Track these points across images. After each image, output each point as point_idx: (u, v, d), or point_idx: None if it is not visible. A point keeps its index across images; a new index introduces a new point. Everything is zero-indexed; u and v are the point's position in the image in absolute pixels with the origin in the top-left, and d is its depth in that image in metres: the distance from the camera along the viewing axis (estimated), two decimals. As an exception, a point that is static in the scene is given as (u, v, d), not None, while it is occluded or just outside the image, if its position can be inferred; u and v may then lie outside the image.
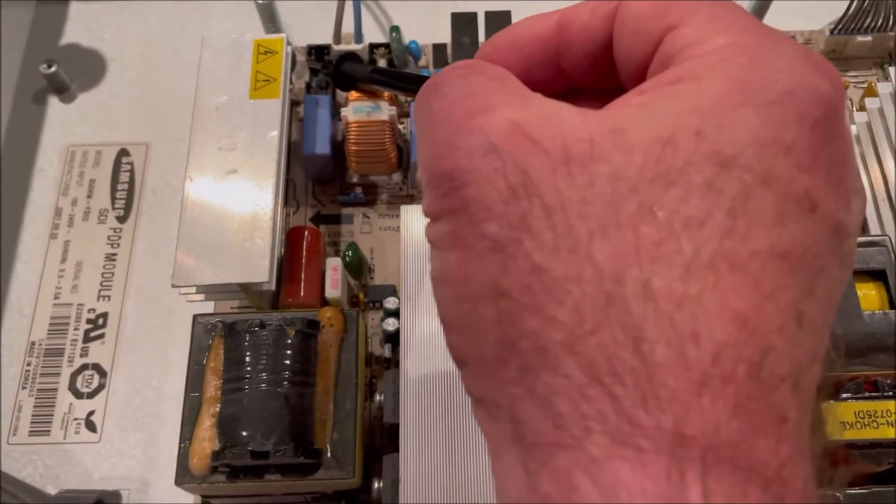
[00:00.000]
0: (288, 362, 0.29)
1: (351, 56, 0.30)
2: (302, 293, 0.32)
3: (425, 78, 0.24)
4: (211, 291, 0.31)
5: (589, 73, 0.19)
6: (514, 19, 0.38)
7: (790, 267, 0.13)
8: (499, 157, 0.14)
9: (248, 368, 0.28)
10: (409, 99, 0.39)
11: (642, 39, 0.16)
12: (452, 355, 0.16)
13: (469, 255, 0.15)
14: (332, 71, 0.34)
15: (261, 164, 0.32)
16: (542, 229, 0.14)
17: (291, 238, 0.33)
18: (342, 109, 0.35)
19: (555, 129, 0.14)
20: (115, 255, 0.37)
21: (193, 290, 0.30)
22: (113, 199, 0.38)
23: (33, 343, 0.35)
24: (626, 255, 0.13)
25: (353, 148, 0.35)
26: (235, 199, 0.31)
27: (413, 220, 0.31)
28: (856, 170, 0.15)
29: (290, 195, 0.37)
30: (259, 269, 0.30)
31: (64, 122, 0.40)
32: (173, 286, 0.30)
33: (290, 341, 0.29)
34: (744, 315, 0.13)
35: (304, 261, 0.32)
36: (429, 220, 0.16)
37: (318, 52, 0.39)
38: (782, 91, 0.14)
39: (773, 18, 0.41)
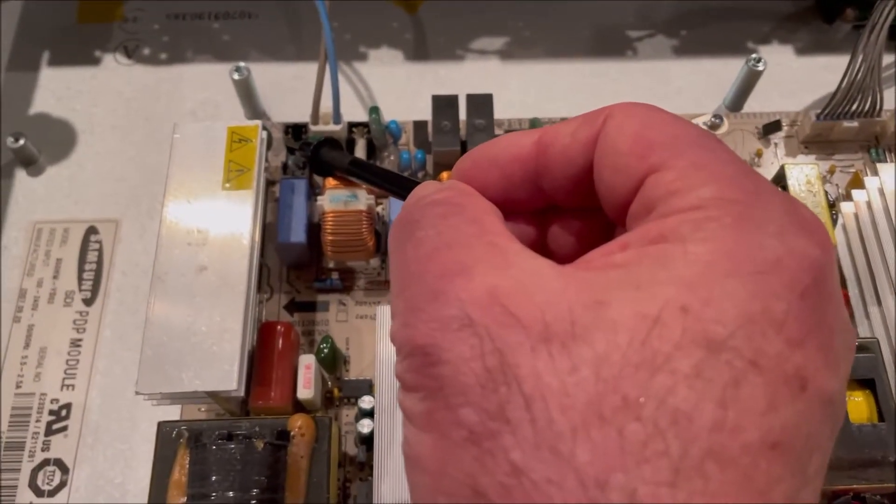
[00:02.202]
0: (256, 478, 0.27)
1: (330, 141, 0.29)
2: (272, 395, 0.31)
3: (404, 179, 0.23)
4: (177, 399, 0.30)
5: (569, 194, 0.18)
6: (496, 103, 0.37)
7: (783, 456, 0.12)
8: (475, 333, 0.14)
9: (215, 485, 0.27)
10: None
11: (623, 177, 0.16)
12: None
13: (445, 444, 0.14)
14: (308, 155, 0.33)
15: (232, 261, 0.30)
16: (521, 422, 0.13)
17: (263, 334, 0.32)
18: (319, 198, 0.34)
19: (533, 301, 0.13)
20: (80, 340, 0.36)
21: (159, 396, 0.29)
22: (80, 280, 0.37)
23: (-8, 436, 0.34)
24: (610, 456, 0.12)
25: (330, 238, 0.34)
26: (204, 299, 0.30)
27: (390, 322, 0.30)
28: (845, 321, 0.14)
29: (263, 281, 0.36)
30: (227, 376, 0.28)
31: (31, 197, 0.39)
32: (137, 393, 0.29)
33: (258, 455, 0.28)
34: None
35: (275, 359, 0.31)
36: (399, 383, 0.15)
37: (295, 131, 0.38)
38: (771, 260, 0.13)
39: (757, 99, 0.40)
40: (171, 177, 0.32)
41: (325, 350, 0.33)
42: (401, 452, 0.28)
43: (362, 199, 0.34)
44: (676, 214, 0.14)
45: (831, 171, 0.38)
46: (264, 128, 0.34)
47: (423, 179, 0.38)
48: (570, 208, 0.19)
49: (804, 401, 0.13)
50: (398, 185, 0.23)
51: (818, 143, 0.39)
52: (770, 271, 0.13)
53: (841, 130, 0.38)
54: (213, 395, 0.29)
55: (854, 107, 0.37)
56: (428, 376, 0.14)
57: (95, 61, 0.43)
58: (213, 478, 0.27)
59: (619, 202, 0.16)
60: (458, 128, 0.36)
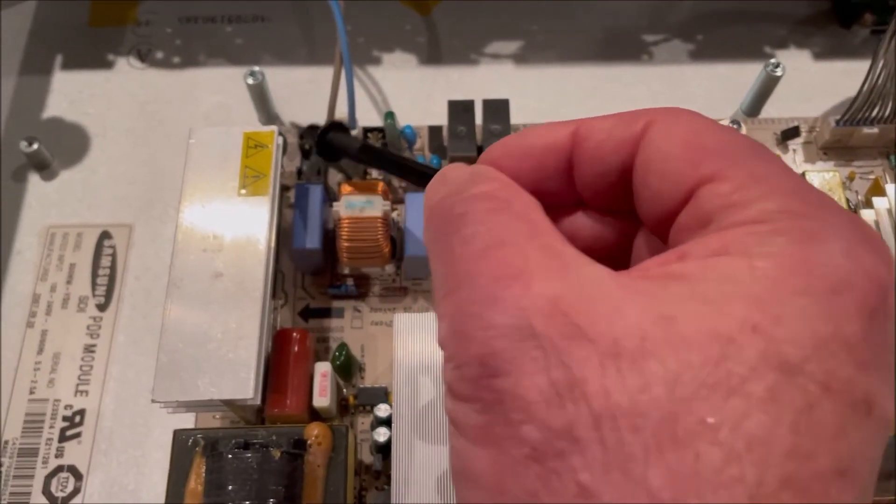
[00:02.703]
0: (273, 487, 0.27)
1: (338, 126, 0.28)
2: (288, 403, 0.30)
3: (418, 167, 0.22)
4: (192, 407, 0.29)
5: (596, 193, 0.18)
6: (512, 108, 0.37)
7: (851, 483, 0.12)
8: (538, 346, 0.13)
9: (231, 495, 0.27)
10: (403, 185, 0.37)
11: (672, 185, 0.15)
12: None
13: (504, 461, 0.13)
14: (316, 139, 0.32)
15: (248, 268, 0.30)
16: (589, 442, 0.12)
17: (279, 342, 0.32)
18: (334, 204, 0.34)
19: (599, 313, 0.13)
20: (94, 346, 0.36)
21: (174, 405, 0.29)
22: (93, 285, 0.37)
23: (6, 442, 0.34)
24: (685, 480, 0.11)
25: (346, 244, 0.33)
26: (220, 305, 0.30)
27: (407, 330, 0.30)
28: None
29: (277, 287, 0.36)
30: (244, 384, 0.28)
31: (44, 202, 0.39)
32: (153, 401, 0.28)
33: (275, 464, 0.27)
34: None
35: (291, 367, 0.31)
36: (448, 390, 0.15)
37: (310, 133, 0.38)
38: (841, 279, 0.13)
39: (774, 104, 0.40)
40: (186, 182, 0.32)
41: (341, 357, 0.32)
42: (419, 462, 0.28)
43: (378, 205, 0.33)
44: (739, 227, 0.13)
45: (851, 178, 0.38)
46: (280, 133, 0.33)
47: (439, 185, 0.38)
48: (593, 207, 0.18)
49: (869, 425, 0.12)
50: (411, 172, 0.22)
51: (837, 149, 0.39)
52: (840, 291, 0.13)
53: (861, 137, 0.38)
54: (229, 404, 0.29)
55: (874, 113, 0.37)
56: (485, 388, 0.13)
57: (108, 65, 0.43)
58: (230, 487, 0.27)
59: (664, 210, 0.15)
60: (474, 133, 0.36)
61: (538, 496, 0.12)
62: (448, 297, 0.15)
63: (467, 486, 0.14)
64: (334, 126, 0.28)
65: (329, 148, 0.27)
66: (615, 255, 0.18)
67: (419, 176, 0.21)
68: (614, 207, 0.18)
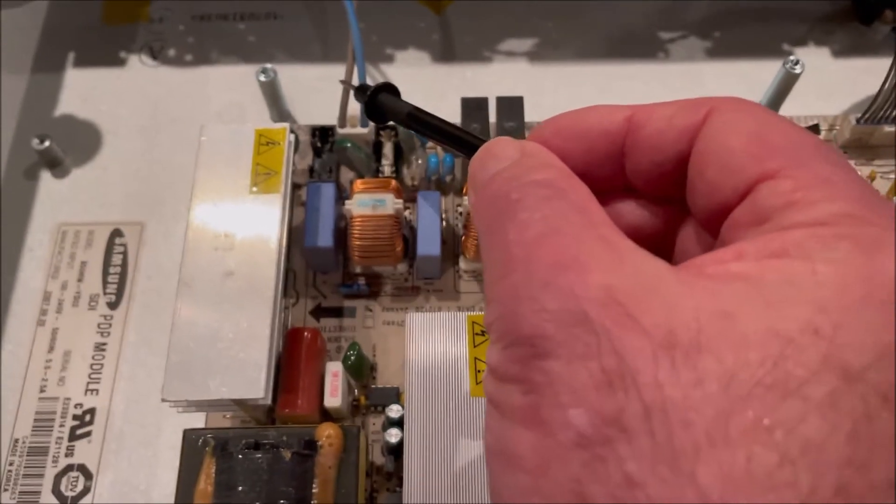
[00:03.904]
0: (283, 488, 0.27)
1: (389, 87, 0.28)
2: (299, 403, 0.30)
3: (467, 136, 0.21)
4: (203, 406, 0.29)
5: (649, 181, 0.17)
6: (526, 106, 0.36)
7: None
8: (591, 331, 0.13)
9: (241, 495, 0.27)
10: (415, 183, 0.37)
11: (732, 178, 0.15)
12: None
13: (549, 444, 0.13)
14: (366, 100, 0.32)
15: (259, 266, 0.30)
16: (638, 432, 0.12)
17: (290, 341, 0.31)
18: (346, 202, 0.33)
19: (655, 304, 0.13)
20: (104, 344, 0.35)
21: (185, 404, 0.28)
22: (104, 283, 0.37)
23: (16, 440, 0.34)
24: (735, 480, 0.11)
25: (358, 243, 0.33)
26: (231, 304, 0.29)
27: (419, 329, 0.30)
28: None
29: (289, 286, 0.35)
30: (255, 384, 0.28)
31: (56, 199, 0.39)
32: (163, 400, 0.28)
33: (285, 464, 0.27)
34: None
35: (302, 366, 0.31)
36: (492, 372, 0.15)
37: (322, 134, 0.38)
38: None
39: (793, 102, 0.39)
40: (197, 180, 0.32)
41: (352, 357, 0.32)
42: (432, 464, 0.28)
43: (390, 203, 0.33)
44: (800, 229, 0.13)
45: (871, 178, 0.37)
46: (292, 130, 0.33)
47: (452, 183, 0.37)
48: (640, 193, 0.18)
49: None
50: (460, 142, 0.21)
51: (858, 148, 0.38)
52: None
53: (881, 135, 0.37)
54: (240, 403, 0.29)
55: (895, 111, 0.36)
56: (534, 369, 0.13)
57: (121, 62, 0.43)
58: (240, 488, 0.27)
59: (720, 202, 0.15)
60: (487, 131, 0.36)
61: (582, 482, 0.12)
62: (501, 281, 0.15)
63: (507, 468, 0.14)
64: (385, 87, 0.27)
65: (378, 110, 0.27)
66: (658, 244, 0.18)
67: (468, 147, 0.20)
68: (662, 195, 0.18)
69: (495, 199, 0.16)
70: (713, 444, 0.11)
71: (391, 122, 0.30)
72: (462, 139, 0.21)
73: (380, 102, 0.27)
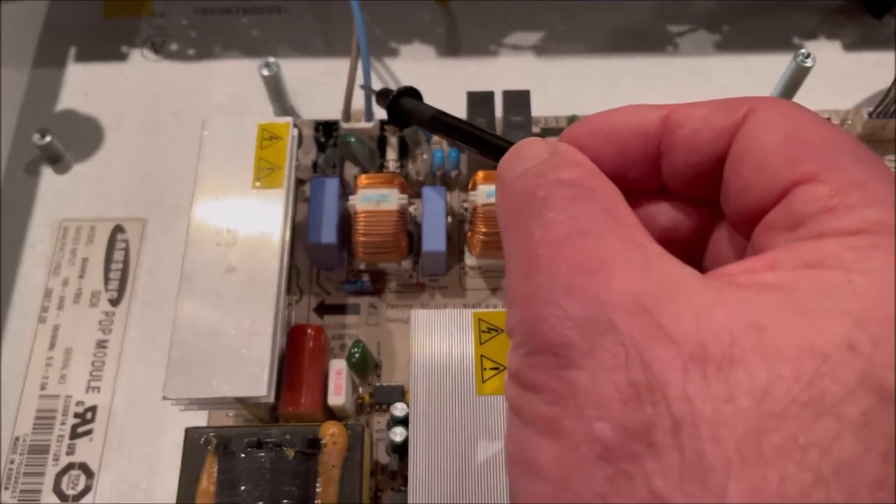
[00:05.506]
0: (287, 488, 0.26)
1: (411, 91, 0.27)
2: (303, 401, 0.30)
3: (494, 139, 0.20)
4: (205, 404, 0.29)
5: (685, 182, 0.17)
6: (533, 100, 0.36)
7: None
8: (619, 341, 0.12)
9: (244, 495, 0.26)
10: (420, 178, 0.37)
11: (766, 179, 0.14)
12: None
13: (572, 457, 0.12)
14: (389, 105, 0.31)
15: (262, 262, 0.29)
16: (667, 448, 0.11)
17: (293, 338, 0.31)
18: (350, 197, 0.33)
19: (684, 313, 0.12)
20: (106, 341, 0.35)
21: (186, 402, 0.28)
22: (106, 279, 0.36)
23: (17, 439, 0.33)
24: (767, 501, 0.11)
25: (362, 238, 0.33)
26: (234, 301, 0.29)
27: (424, 326, 0.29)
28: None
29: (292, 283, 0.35)
30: (257, 381, 0.27)
31: (57, 195, 0.38)
32: (164, 398, 0.28)
33: (288, 463, 0.27)
34: None
35: (305, 364, 0.30)
36: (513, 377, 0.14)
37: (325, 129, 0.37)
38: None
39: (803, 96, 0.39)
40: (199, 175, 0.31)
41: (357, 354, 0.31)
42: (437, 463, 0.27)
43: (394, 199, 0.32)
44: (836, 237, 0.13)
45: (883, 172, 0.37)
46: (295, 125, 0.33)
47: (458, 178, 0.37)
48: (673, 195, 0.17)
49: None
50: (486, 145, 0.21)
51: (870, 142, 0.37)
52: None
53: (893, 129, 0.37)
54: (242, 401, 0.28)
55: (908, 105, 0.36)
56: (558, 379, 0.13)
57: (122, 57, 0.42)
58: (243, 487, 0.26)
59: (754, 205, 0.15)
60: (493, 125, 0.35)
61: (606, 497, 0.12)
62: (523, 282, 0.14)
63: (526, 475, 0.13)
64: (408, 91, 0.27)
65: (400, 114, 0.26)
66: (690, 247, 0.17)
67: (494, 150, 0.20)
68: (697, 197, 0.17)
69: (521, 196, 0.15)
70: (744, 462, 0.11)
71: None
72: (488, 142, 0.20)
73: (403, 106, 0.26)
